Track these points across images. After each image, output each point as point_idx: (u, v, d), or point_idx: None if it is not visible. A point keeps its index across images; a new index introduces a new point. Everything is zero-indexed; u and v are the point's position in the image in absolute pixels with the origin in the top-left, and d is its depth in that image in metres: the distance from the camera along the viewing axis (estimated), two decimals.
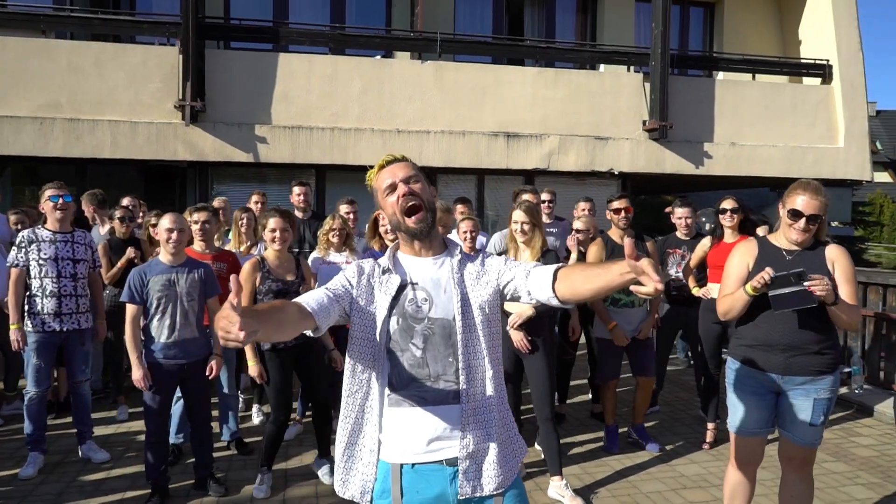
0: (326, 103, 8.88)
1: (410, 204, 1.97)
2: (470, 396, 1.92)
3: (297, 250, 5.43)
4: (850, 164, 10.52)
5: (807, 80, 10.97)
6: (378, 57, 9.64)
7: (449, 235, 4.18)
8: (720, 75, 11.07)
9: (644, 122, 9.77)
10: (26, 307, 4.43)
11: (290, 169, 8.86)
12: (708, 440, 4.99)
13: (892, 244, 31.07)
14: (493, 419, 1.96)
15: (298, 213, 6.00)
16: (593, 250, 4.73)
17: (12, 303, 4.38)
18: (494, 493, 1.93)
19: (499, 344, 2.03)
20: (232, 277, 1.56)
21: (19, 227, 5.57)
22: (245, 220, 5.41)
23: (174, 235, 3.87)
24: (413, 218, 1.97)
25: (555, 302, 1.88)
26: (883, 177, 34.31)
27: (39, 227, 4.52)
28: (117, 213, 5.59)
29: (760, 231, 5.01)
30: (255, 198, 6.24)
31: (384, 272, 2.02)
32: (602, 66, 10.65)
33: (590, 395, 6.11)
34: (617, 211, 4.72)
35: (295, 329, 1.80)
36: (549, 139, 9.48)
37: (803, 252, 2.98)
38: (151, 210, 6.00)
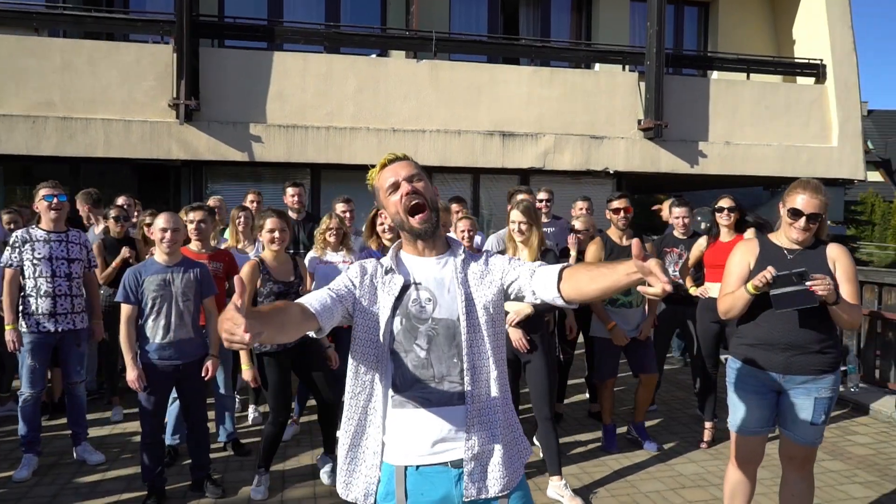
0: (321, 102, 8.85)
1: (414, 203, 1.96)
2: (475, 397, 1.91)
3: (291, 251, 5.39)
4: (843, 163, 10.57)
5: (801, 80, 11.01)
6: (373, 56, 9.61)
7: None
8: (715, 75, 11.09)
9: (639, 122, 9.78)
10: (20, 307, 4.38)
11: (285, 168, 8.82)
12: (706, 439, 4.99)
13: (883, 243, 31.26)
14: (497, 420, 1.94)
15: (292, 214, 5.96)
16: (592, 249, 4.73)
17: (7, 303, 4.34)
18: (500, 494, 1.91)
19: (503, 344, 2.02)
20: (235, 278, 1.53)
21: (12, 226, 5.52)
22: (242, 219, 5.38)
23: (167, 235, 3.84)
24: (417, 217, 1.96)
25: (560, 302, 1.86)
26: (874, 176, 34.46)
27: (33, 226, 4.48)
28: (112, 213, 5.55)
29: (748, 234, 5.04)
30: (250, 197, 6.21)
31: (387, 272, 2.00)
32: (597, 66, 10.65)
33: (587, 395, 6.11)
34: (616, 211, 4.71)
35: (298, 330, 1.78)
36: (545, 138, 9.47)
37: (804, 251, 2.98)
38: (146, 209, 5.95)
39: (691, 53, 11.76)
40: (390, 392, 1.93)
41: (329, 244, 5.01)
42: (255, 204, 6.09)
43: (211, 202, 6.08)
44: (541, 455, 4.27)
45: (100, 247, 5.37)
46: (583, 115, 9.67)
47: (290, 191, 6.07)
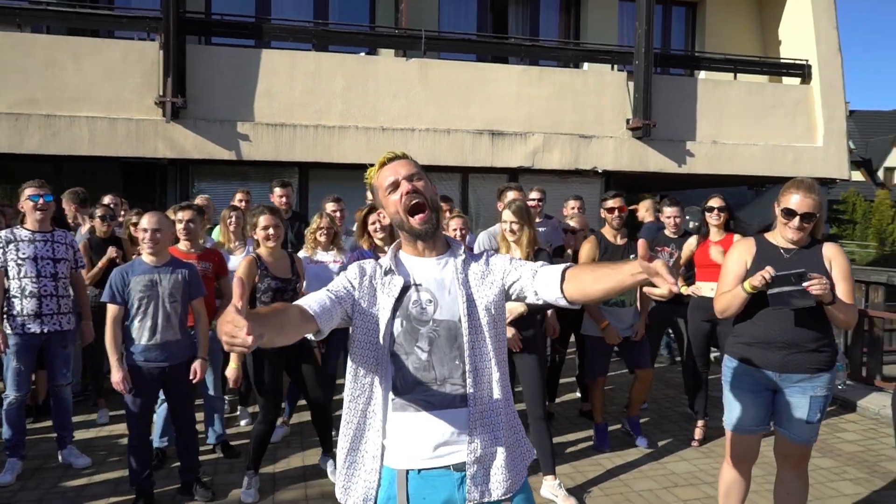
0: (310, 100, 8.78)
1: (414, 202, 1.93)
2: (477, 400, 1.88)
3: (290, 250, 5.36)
4: (828, 162, 10.66)
5: (786, 80, 11.09)
6: (362, 54, 9.56)
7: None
8: (702, 74, 11.15)
9: (628, 121, 9.80)
10: (5, 309, 4.30)
11: (273, 167, 8.75)
12: (697, 437, 5.01)
13: (864, 241, 31.65)
14: (500, 422, 1.92)
15: None
16: (586, 248, 4.72)
17: None
18: (503, 497, 1.89)
19: (504, 345, 1.99)
20: (234, 279, 1.50)
21: None
22: (234, 219, 5.31)
23: (148, 235, 3.78)
24: (417, 217, 1.92)
25: (563, 303, 1.85)
26: (855, 176, 34.87)
27: (18, 226, 4.39)
28: (98, 212, 5.46)
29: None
30: (239, 196, 6.14)
31: (386, 273, 1.97)
32: (586, 65, 10.67)
33: (578, 394, 6.12)
34: (611, 210, 4.71)
35: (297, 332, 1.74)
36: (534, 137, 9.47)
37: (800, 250, 2.99)
38: (133, 208, 5.87)
39: (679, 53, 11.81)
40: (391, 395, 1.90)
41: (319, 244, 4.99)
42: (244, 203, 6.02)
43: (198, 201, 6.00)
44: (534, 454, 4.26)
45: (86, 246, 5.28)
46: (572, 114, 9.68)
47: (277, 190, 6.01)
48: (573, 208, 5.92)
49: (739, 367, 3.07)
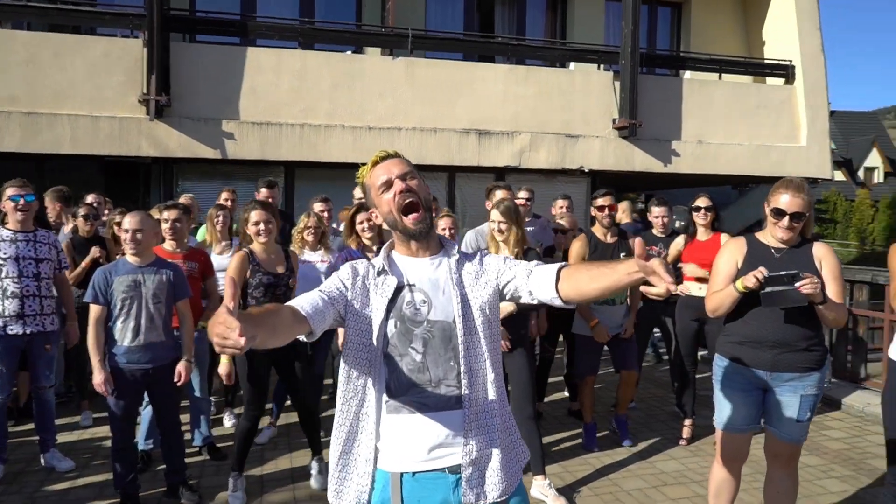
0: (296, 99, 8.72)
1: (408, 201, 1.90)
2: (472, 401, 1.86)
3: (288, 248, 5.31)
4: (811, 162, 10.76)
5: (770, 81, 11.18)
6: (348, 52, 9.51)
7: None
8: (687, 74, 11.21)
9: (614, 121, 9.83)
10: None
11: (259, 166, 8.68)
12: (685, 436, 5.03)
13: (845, 240, 32.04)
14: (495, 424, 1.90)
15: None
16: (576, 247, 4.72)
17: None
18: (498, 500, 1.86)
19: (499, 346, 1.97)
20: (227, 279, 1.47)
21: None
22: (221, 218, 5.25)
23: (129, 236, 3.71)
24: (411, 217, 1.90)
25: (558, 302, 1.83)
26: (836, 175, 35.32)
27: None
28: (81, 211, 5.38)
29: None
30: (225, 195, 6.06)
31: (379, 273, 1.94)
32: (572, 65, 10.69)
33: (566, 393, 6.12)
34: (601, 208, 4.70)
35: (290, 334, 1.71)
36: (521, 137, 9.47)
37: (791, 250, 3.00)
38: (117, 207, 5.80)
39: (665, 53, 11.87)
40: (384, 397, 1.87)
41: (307, 243, 4.95)
42: (230, 202, 5.95)
43: (182, 200, 5.93)
44: (529, 456, 4.25)
45: (68, 246, 5.19)
46: (558, 113, 9.69)
47: (263, 191, 5.96)
48: (562, 207, 5.92)
49: (730, 366, 3.08)
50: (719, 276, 3.07)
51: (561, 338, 5.65)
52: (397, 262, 1.98)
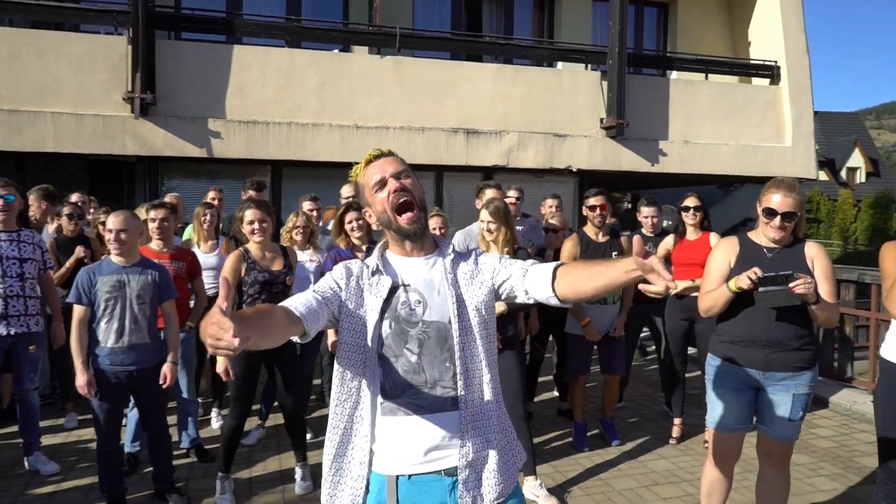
0: (283, 97, 8.65)
1: (402, 200, 1.88)
2: (468, 402, 1.84)
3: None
4: (796, 162, 10.84)
5: (756, 81, 11.25)
6: (336, 51, 9.45)
7: None
8: (674, 75, 11.25)
9: (601, 120, 9.84)
10: None
11: (245, 165, 8.61)
12: (675, 435, 5.04)
13: (828, 240, 32.38)
14: (491, 425, 1.88)
15: None
16: (568, 246, 4.71)
17: None
18: (495, 502, 1.84)
19: (495, 346, 1.95)
20: (221, 279, 1.44)
21: None
22: (208, 217, 5.20)
23: (113, 236, 3.65)
24: (405, 217, 1.88)
25: (554, 301, 1.81)
26: (819, 175, 35.69)
27: None
28: (65, 210, 5.30)
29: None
30: (212, 194, 6.01)
31: (373, 273, 1.92)
32: (559, 64, 10.69)
33: (556, 393, 6.12)
34: (593, 208, 4.70)
35: (283, 335, 1.69)
36: (509, 136, 9.46)
37: (783, 249, 3.00)
38: (101, 207, 5.72)
39: (651, 53, 11.90)
40: (379, 399, 1.85)
41: (296, 243, 4.91)
42: (217, 201, 5.89)
43: (168, 200, 5.86)
44: (525, 457, 4.24)
45: (52, 246, 5.12)
46: (546, 113, 9.69)
47: (252, 194, 5.93)
48: (551, 207, 5.92)
49: (723, 365, 3.08)
50: (712, 275, 3.07)
51: (550, 337, 5.65)
52: (391, 262, 1.95)
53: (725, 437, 3.12)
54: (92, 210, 6.03)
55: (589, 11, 11.54)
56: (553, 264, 1.85)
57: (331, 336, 4.41)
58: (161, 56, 8.14)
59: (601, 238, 4.74)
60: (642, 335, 5.97)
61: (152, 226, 4.33)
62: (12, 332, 4.18)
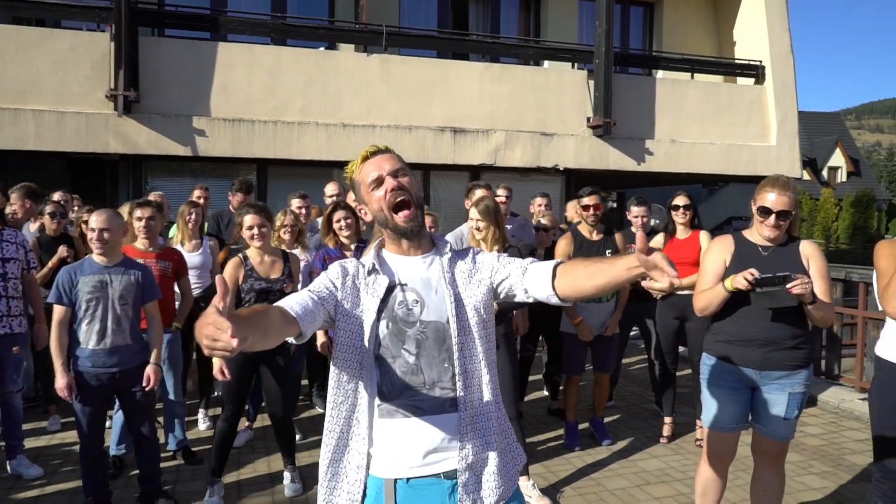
0: (268, 95, 8.57)
1: (399, 199, 1.84)
2: (468, 404, 1.80)
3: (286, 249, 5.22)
4: (781, 161, 10.92)
5: (741, 81, 11.32)
6: (322, 49, 9.37)
7: None
8: (660, 74, 11.29)
9: (588, 119, 9.85)
10: None
11: (230, 163, 8.53)
12: (665, 434, 5.03)
13: (810, 239, 32.69)
14: (491, 427, 1.84)
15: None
16: (562, 245, 4.69)
17: None
18: None
19: (493, 346, 1.92)
20: (217, 278, 1.40)
21: None
22: (193, 216, 5.12)
23: (95, 235, 3.56)
24: (402, 215, 1.84)
25: (554, 300, 1.78)
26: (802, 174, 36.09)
27: None
28: (48, 209, 5.19)
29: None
30: (197, 192, 5.93)
31: (370, 272, 1.87)
32: (546, 63, 10.69)
33: (546, 392, 6.10)
34: (587, 207, 4.68)
35: (280, 335, 1.64)
36: (496, 135, 9.44)
37: (778, 248, 3.00)
38: (85, 205, 5.61)
39: (638, 53, 11.94)
40: (376, 401, 1.80)
41: (283, 241, 4.84)
42: (202, 200, 5.82)
43: (152, 198, 5.77)
44: (525, 459, 4.21)
45: (35, 245, 5.01)
46: (533, 111, 9.69)
47: (239, 196, 5.88)
48: (540, 206, 5.90)
49: (718, 364, 3.07)
50: (707, 274, 3.05)
51: (540, 337, 5.63)
52: (388, 261, 1.91)
53: (721, 436, 3.11)
54: (75, 209, 5.93)
55: (575, 10, 11.56)
56: (553, 262, 1.81)
57: (320, 337, 4.35)
58: (144, 53, 8.03)
59: (595, 237, 4.72)
60: (632, 333, 5.97)
61: (139, 225, 4.25)
62: None
